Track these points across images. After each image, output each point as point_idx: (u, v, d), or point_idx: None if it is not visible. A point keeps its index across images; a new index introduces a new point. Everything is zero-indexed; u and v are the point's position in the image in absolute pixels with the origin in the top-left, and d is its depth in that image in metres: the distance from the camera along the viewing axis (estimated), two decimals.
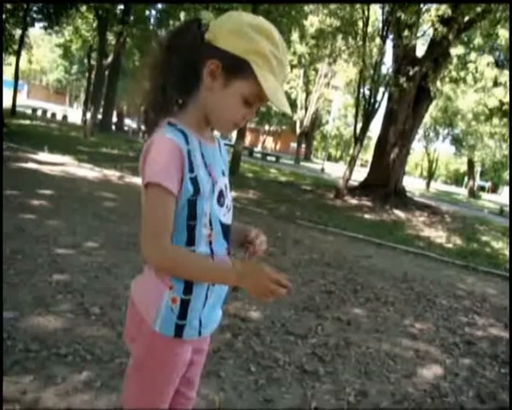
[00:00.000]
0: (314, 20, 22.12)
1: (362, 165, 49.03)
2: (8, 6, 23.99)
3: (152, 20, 27.19)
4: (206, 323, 1.41)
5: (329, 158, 63.06)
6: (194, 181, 1.28)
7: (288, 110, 1.32)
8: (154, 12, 26.59)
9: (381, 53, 14.18)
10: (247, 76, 1.26)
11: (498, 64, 20.24)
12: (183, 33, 1.32)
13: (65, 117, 35.32)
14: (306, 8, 19.26)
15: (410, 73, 13.39)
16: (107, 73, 29.03)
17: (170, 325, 1.34)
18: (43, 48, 61.53)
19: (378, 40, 14.43)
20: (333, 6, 15.73)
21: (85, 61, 37.25)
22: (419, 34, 14.70)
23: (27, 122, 22.99)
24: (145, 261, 1.35)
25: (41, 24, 26.99)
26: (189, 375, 1.52)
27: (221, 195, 1.39)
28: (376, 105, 14.43)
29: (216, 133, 1.50)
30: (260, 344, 3.44)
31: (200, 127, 1.35)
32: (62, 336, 3.00)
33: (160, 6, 24.99)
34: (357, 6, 14.62)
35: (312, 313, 4.27)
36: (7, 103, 24.31)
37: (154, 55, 1.37)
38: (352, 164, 14.75)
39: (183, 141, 1.27)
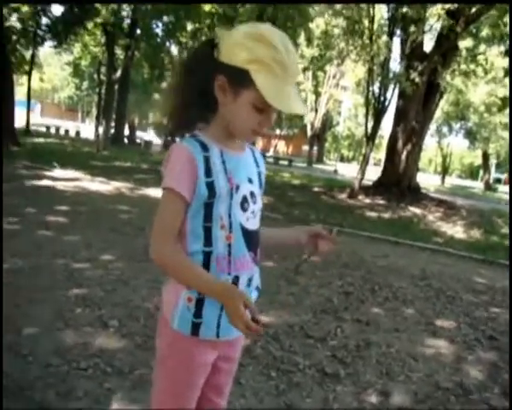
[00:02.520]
0: (320, 22, 22.10)
1: (375, 164, 48.78)
2: (18, 26, 24.37)
3: (159, 33, 27.32)
4: (226, 326, 1.41)
5: (342, 159, 62.91)
6: (211, 185, 1.34)
7: (296, 110, 1.33)
8: (160, 24, 26.71)
9: (389, 50, 14.12)
10: (251, 85, 1.29)
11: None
12: (198, 54, 1.41)
13: (78, 133, 35.74)
14: (311, 10, 19.26)
15: (419, 68, 13.32)
16: (116, 86, 29.26)
17: (186, 323, 1.40)
18: (54, 66, 62.25)
19: (385, 37, 14.36)
20: (338, 6, 15.71)
21: (95, 76, 37.59)
22: (426, 29, 14.60)
23: (41, 140, 23.26)
24: None
25: (50, 43, 27.31)
26: (217, 382, 1.56)
27: (245, 200, 1.43)
28: (386, 103, 14.37)
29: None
30: (280, 349, 3.42)
31: (223, 138, 1.41)
32: (82, 349, 3.02)
33: (166, 18, 25.10)
34: (363, 4, 14.57)
35: (331, 316, 4.25)
36: (21, 123, 24.66)
37: (175, 77, 1.47)
38: (364, 163, 14.69)
39: (199, 149, 1.35)
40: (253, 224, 1.46)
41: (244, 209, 1.43)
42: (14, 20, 24.17)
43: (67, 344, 3.07)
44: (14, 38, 23.57)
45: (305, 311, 4.26)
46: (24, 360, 2.82)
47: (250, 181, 1.47)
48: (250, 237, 1.45)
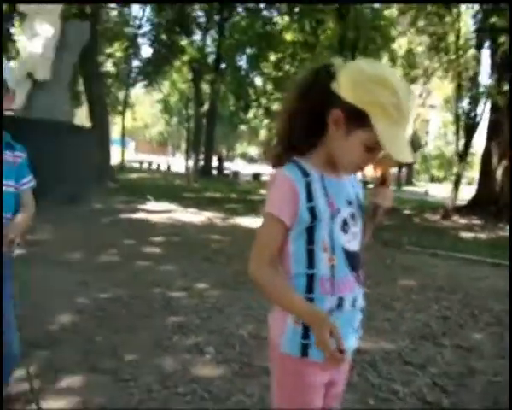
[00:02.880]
0: (402, 42, 21.77)
1: (468, 183, 46.67)
2: (112, 70, 26.09)
3: (243, 65, 28.09)
4: None
5: (432, 179, 60.76)
6: (312, 210, 1.38)
7: (407, 158, 1.37)
8: (244, 57, 27.47)
9: (477, 63, 13.62)
10: (367, 126, 1.32)
11: None
12: (313, 82, 1.43)
13: (169, 167, 37.22)
14: (394, 31, 19.04)
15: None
16: (204, 120, 30.27)
17: (296, 344, 1.44)
18: (145, 105, 65.51)
19: (472, 51, 13.88)
20: (421, 23, 15.42)
21: (183, 111, 39.13)
22: None
23: (135, 175, 24.46)
24: None
25: (141, 83, 28.94)
26: (324, 407, 1.58)
27: (345, 223, 1.46)
28: (478, 118, 13.81)
29: None
30: (377, 376, 3.33)
31: (325, 165, 1.45)
32: (180, 375, 3.10)
33: (249, 50, 25.80)
34: (447, 19, 14.20)
35: (429, 341, 4.08)
36: (116, 159, 26.14)
37: (288, 101, 1.50)
38: (457, 183, 14.13)
39: (300, 176, 1.40)
40: (354, 245, 1.49)
41: (345, 231, 1.45)
42: (109, 66, 25.95)
43: (166, 370, 3.16)
44: (110, 81, 25.23)
45: (401, 337, 4.12)
46: (126, 384, 2.94)
47: (349, 203, 1.49)
48: (352, 258, 1.47)
